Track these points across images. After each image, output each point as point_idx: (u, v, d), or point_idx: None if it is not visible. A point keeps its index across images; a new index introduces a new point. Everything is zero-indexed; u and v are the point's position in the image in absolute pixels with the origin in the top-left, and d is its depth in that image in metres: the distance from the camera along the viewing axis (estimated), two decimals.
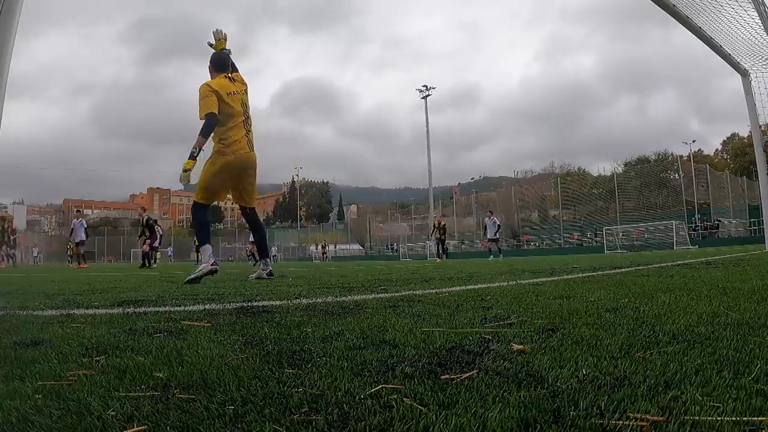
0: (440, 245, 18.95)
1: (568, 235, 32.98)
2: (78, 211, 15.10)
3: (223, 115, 4.50)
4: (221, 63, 4.80)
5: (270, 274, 4.96)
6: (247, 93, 4.86)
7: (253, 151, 4.73)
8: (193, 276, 4.39)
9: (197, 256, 23.32)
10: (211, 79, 4.72)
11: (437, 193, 48.46)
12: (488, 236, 19.22)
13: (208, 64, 4.86)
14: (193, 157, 4.40)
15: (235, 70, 4.96)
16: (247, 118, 4.74)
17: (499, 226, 19.45)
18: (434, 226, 19.49)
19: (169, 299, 2.74)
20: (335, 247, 45.49)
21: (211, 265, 4.46)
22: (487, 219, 19.82)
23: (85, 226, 15.64)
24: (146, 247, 14.06)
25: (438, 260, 16.63)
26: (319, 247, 45.47)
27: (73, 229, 15.32)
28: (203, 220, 4.76)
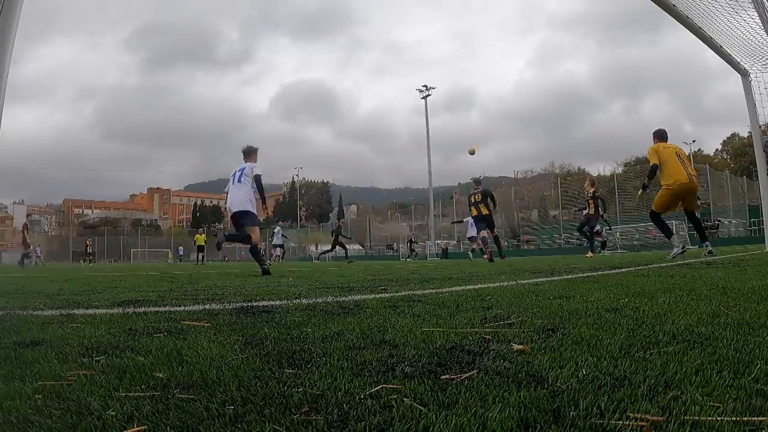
0: (590, 229, 11.79)
1: (567, 235, 32.96)
2: (279, 222, 14.17)
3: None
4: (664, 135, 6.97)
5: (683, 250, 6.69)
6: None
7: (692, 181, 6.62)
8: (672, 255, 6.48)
9: (198, 256, 23.54)
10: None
11: (437, 193, 48.43)
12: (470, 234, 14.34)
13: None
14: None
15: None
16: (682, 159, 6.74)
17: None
18: (590, 200, 11.77)
19: (169, 299, 2.73)
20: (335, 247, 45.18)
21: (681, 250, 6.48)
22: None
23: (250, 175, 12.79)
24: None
25: (592, 255, 11.05)
26: (407, 243, 33.54)
27: (274, 233, 15.01)
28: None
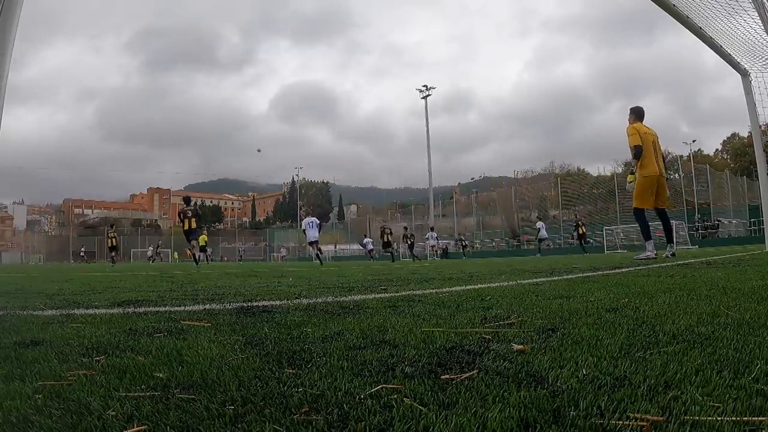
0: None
1: (567, 236, 32.93)
2: (366, 235, 18.25)
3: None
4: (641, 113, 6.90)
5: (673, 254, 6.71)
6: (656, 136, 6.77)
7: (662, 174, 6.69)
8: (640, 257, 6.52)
9: (198, 256, 25.09)
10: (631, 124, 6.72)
11: (437, 194, 48.44)
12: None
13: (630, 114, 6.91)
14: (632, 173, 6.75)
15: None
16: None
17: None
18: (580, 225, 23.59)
19: (169, 299, 2.74)
20: (335, 247, 45.13)
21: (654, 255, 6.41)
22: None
23: (317, 222, 16.14)
24: None
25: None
26: (404, 239, 27.89)
27: (365, 242, 21.54)
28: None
